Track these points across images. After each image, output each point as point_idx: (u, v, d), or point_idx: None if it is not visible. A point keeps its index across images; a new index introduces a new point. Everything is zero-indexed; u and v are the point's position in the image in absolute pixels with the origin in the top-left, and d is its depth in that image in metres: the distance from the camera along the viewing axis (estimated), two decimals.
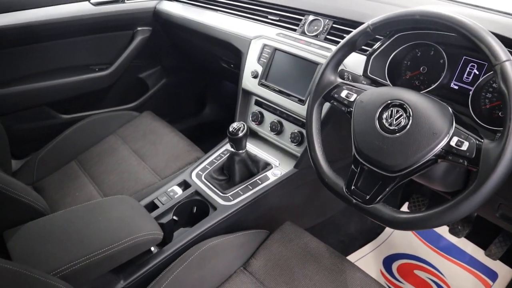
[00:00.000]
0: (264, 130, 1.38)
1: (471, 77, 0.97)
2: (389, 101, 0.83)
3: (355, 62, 1.12)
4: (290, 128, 1.29)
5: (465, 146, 0.74)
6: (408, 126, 0.79)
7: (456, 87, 0.99)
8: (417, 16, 0.82)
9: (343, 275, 1.02)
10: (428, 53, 1.05)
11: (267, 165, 1.28)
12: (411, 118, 0.80)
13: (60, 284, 0.73)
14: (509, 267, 1.42)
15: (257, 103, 1.40)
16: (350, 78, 1.05)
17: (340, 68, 1.08)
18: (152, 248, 1.08)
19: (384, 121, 0.83)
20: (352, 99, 0.91)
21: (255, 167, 1.28)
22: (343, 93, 0.93)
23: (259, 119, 1.38)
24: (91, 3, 1.66)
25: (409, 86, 1.06)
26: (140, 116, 1.71)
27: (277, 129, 1.32)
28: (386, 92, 0.86)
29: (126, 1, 1.73)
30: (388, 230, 1.66)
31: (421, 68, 1.06)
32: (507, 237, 1.41)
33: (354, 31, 0.91)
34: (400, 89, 0.86)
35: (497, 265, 1.44)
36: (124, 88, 1.89)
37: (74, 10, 1.61)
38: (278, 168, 1.26)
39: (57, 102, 1.70)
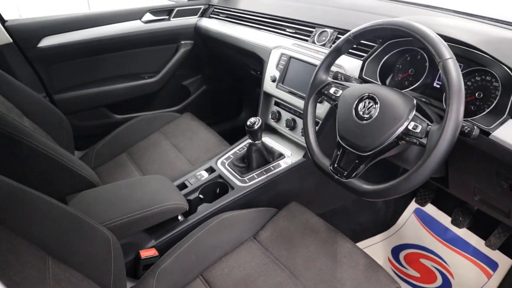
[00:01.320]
0: (281, 126, 1.59)
1: None
2: (363, 94, 1.02)
3: (354, 66, 1.32)
4: (301, 124, 1.50)
5: (418, 129, 0.92)
6: (376, 114, 0.98)
7: (438, 86, 1.16)
8: (385, 25, 1.01)
9: (335, 245, 1.20)
10: (415, 57, 1.22)
11: (280, 155, 1.49)
12: (378, 107, 0.98)
13: (106, 232, 0.99)
14: (507, 256, 1.51)
15: (276, 103, 1.62)
16: (342, 78, 1.25)
17: (335, 70, 1.29)
18: (179, 217, 1.32)
19: (359, 110, 1.02)
20: (338, 94, 1.11)
21: (270, 156, 1.49)
22: (332, 90, 1.13)
23: (277, 117, 1.60)
24: (142, 21, 1.97)
25: (400, 85, 1.24)
26: (180, 116, 1.98)
27: (291, 125, 1.53)
28: (362, 87, 1.05)
29: (171, 19, 2.03)
30: (399, 222, 1.80)
31: (409, 70, 1.24)
32: (506, 228, 1.51)
33: (339, 40, 1.12)
34: (373, 85, 1.05)
35: (497, 255, 1.54)
36: (169, 94, 2.18)
37: (128, 27, 1.92)
38: (290, 158, 1.47)
39: (113, 104, 2.02)
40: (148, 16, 1.98)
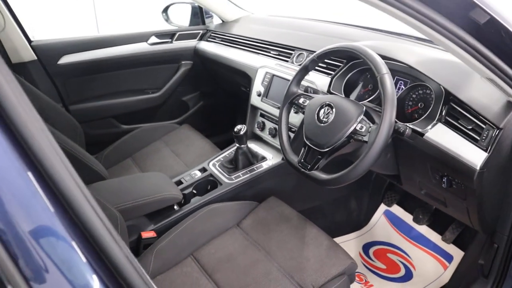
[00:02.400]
0: (265, 134, 1.85)
1: (399, 91, 1.39)
2: (323, 103, 1.28)
3: (324, 82, 1.58)
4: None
5: (363, 129, 1.17)
6: (333, 118, 1.23)
7: None
8: (339, 47, 1.27)
9: (303, 230, 1.43)
10: (374, 75, 1.48)
11: (263, 158, 1.74)
12: (334, 113, 1.23)
13: (115, 211, 1.23)
14: (460, 249, 1.73)
15: (261, 115, 1.88)
16: (312, 91, 1.51)
17: (307, 85, 1.55)
18: (175, 207, 1.55)
19: (320, 115, 1.27)
20: (305, 104, 1.36)
21: (254, 159, 1.74)
22: (301, 100, 1.39)
23: (262, 126, 1.85)
24: (148, 43, 2.25)
25: (362, 98, 1.48)
26: (180, 127, 2.23)
27: (273, 133, 1.78)
28: (323, 97, 1.31)
29: (173, 42, 2.32)
30: (371, 223, 2.02)
31: (369, 86, 1.50)
32: (459, 224, 1.73)
33: (306, 60, 1.38)
34: (332, 96, 1.31)
35: (452, 249, 1.75)
36: (170, 107, 2.45)
37: (135, 48, 2.21)
38: (271, 160, 1.72)
39: (120, 115, 2.29)
40: (153, 39, 2.26)
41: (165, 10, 2.39)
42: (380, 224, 1.99)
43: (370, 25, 1.80)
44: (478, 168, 1.09)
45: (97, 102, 2.19)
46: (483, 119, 1.12)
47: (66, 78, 2.09)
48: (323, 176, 1.23)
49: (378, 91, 1.42)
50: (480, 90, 1.18)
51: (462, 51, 0.93)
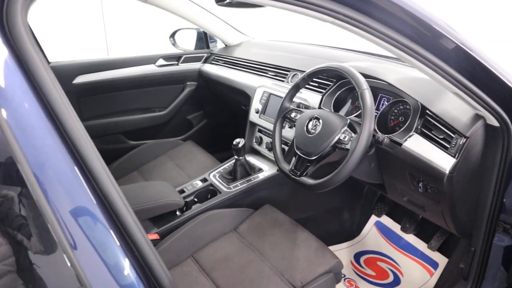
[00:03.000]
0: (262, 148, 1.99)
1: (382, 107, 1.53)
2: (312, 116, 1.42)
3: (315, 99, 1.73)
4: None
5: (346, 138, 1.31)
6: (320, 129, 1.37)
7: (376, 114, 1.55)
8: (326, 67, 1.43)
9: (295, 234, 1.55)
10: None
11: (260, 170, 1.88)
12: (321, 125, 1.38)
13: None
14: (444, 256, 1.83)
15: (259, 130, 2.03)
16: (303, 107, 1.65)
17: (299, 101, 1.70)
18: (177, 212, 1.68)
19: (309, 127, 1.41)
20: (297, 117, 1.51)
21: (252, 171, 1.87)
22: (293, 114, 1.53)
23: (259, 141, 2.00)
24: (155, 65, 2.43)
25: (351, 114, 1.62)
26: (184, 143, 2.38)
27: (270, 147, 1.93)
28: (312, 111, 1.45)
29: (179, 64, 2.49)
30: (363, 233, 2.13)
31: (356, 102, 1.64)
32: (443, 232, 1.84)
33: (298, 78, 1.53)
34: (320, 110, 1.45)
35: (438, 256, 1.85)
36: (175, 125, 2.60)
37: (144, 70, 2.39)
38: (267, 172, 1.85)
39: (128, 131, 2.44)
40: (161, 61, 2.44)
41: (173, 35, 2.57)
42: (371, 234, 2.10)
43: (359, 48, 1.96)
44: (447, 172, 1.22)
45: (108, 119, 2.36)
46: (453, 129, 1.26)
47: (79, 96, 2.26)
48: (311, 181, 1.37)
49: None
50: (451, 104, 1.32)
51: (431, 71, 1.07)
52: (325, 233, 2.07)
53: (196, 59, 2.56)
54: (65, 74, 2.19)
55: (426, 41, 1.02)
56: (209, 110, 2.70)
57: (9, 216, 0.67)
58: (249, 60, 2.26)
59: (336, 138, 1.33)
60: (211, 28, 2.45)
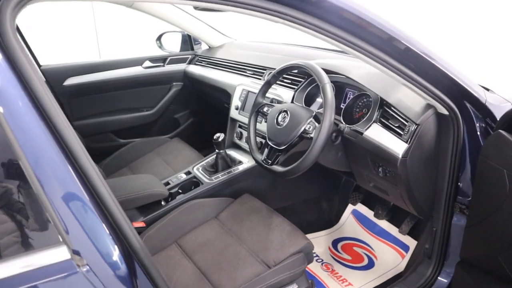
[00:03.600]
0: (242, 143, 2.12)
1: (348, 100, 1.66)
2: (281, 109, 1.55)
3: (289, 95, 1.86)
4: (259, 140, 2.01)
5: (310, 128, 1.44)
6: (288, 121, 1.50)
7: (342, 107, 1.68)
8: (292, 64, 1.56)
9: (270, 219, 1.68)
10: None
11: (240, 162, 2.00)
12: (289, 117, 1.50)
13: None
14: (414, 239, 1.96)
15: (239, 126, 2.15)
16: (276, 102, 1.78)
17: (272, 97, 1.83)
18: (162, 202, 1.81)
19: (278, 120, 1.54)
20: (268, 111, 1.64)
21: (232, 163, 2.00)
22: (265, 109, 1.66)
23: (240, 136, 2.13)
24: (142, 67, 2.56)
25: (321, 107, 1.75)
26: (171, 141, 2.50)
27: None
28: (281, 105, 1.58)
29: (165, 65, 2.62)
30: (341, 221, 2.26)
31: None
32: (413, 217, 1.97)
33: (268, 76, 1.66)
34: (288, 104, 1.58)
35: (409, 240, 1.99)
36: (163, 124, 2.73)
37: (131, 71, 2.52)
38: (246, 164, 1.98)
39: (118, 130, 2.57)
40: (147, 63, 2.57)
41: (159, 38, 2.70)
42: (349, 222, 2.23)
43: (329, 47, 2.09)
44: (400, 156, 1.36)
45: (98, 118, 2.48)
46: (406, 117, 1.39)
47: (70, 97, 2.38)
48: (280, 169, 1.50)
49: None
50: (406, 96, 1.45)
51: (381, 67, 1.21)
52: (304, 221, 2.20)
53: (181, 61, 2.69)
54: (55, 76, 2.31)
55: (380, 43, 1.16)
56: (195, 109, 2.82)
57: (10, 201, 0.79)
58: (230, 60, 2.39)
59: (302, 129, 1.46)
60: (194, 31, 2.58)
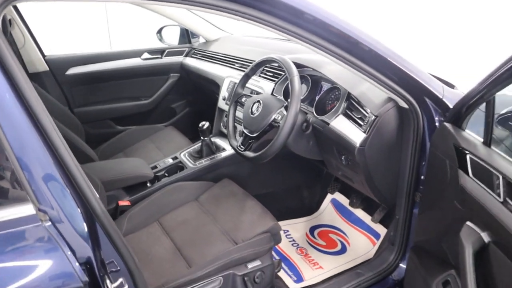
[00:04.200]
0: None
1: (321, 93, 1.78)
2: (256, 100, 1.67)
3: (269, 87, 1.98)
4: (240, 128, 2.14)
5: (279, 117, 1.56)
6: (260, 111, 1.62)
7: (317, 99, 1.80)
8: (268, 58, 1.68)
9: (244, 202, 1.80)
10: (308, 81, 1.88)
11: (223, 149, 2.14)
12: (262, 107, 1.63)
13: (98, 182, 1.63)
14: (384, 228, 2.07)
15: (226, 115, 2.28)
16: (255, 93, 1.91)
17: (253, 88, 1.95)
18: (148, 184, 1.95)
19: (253, 109, 1.67)
20: (246, 102, 1.76)
21: (216, 150, 2.13)
22: (243, 99, 1.79)
23: (226, 125, 2.26)
24: (141, 58, 2.71)
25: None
26: (165, 129, 2.64)
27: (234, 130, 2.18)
28: (256, 96, 1.70)
29: (163, 57, 2.77)
30: (320, 209, 2.37)
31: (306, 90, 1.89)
32: (385, 206, 2.08)
33: (248, 68, 1.79)
34: (262, 95, 1.71)
35: (380, 228, 2.09)
36: (159, 113, 2.88)
37: (130, 62, 2.67)
38: (229, 151, 2.11)
39: (116, 118, 2.73)
40: (146, 55, 2.72)
41: (159, 31, 2.84)
42: (328, 210, 2.35)
43: None
44: (357, 145, 1.47)
45: (97, 106, 2.65)
46: (366, 109, 1.50)
47: (72, 86, 2.55)
48: (252, 154, 1.62)
49: (307, 94, 1.83)
50: (370, 90, 1.56)
51: (344, 63, 1.32)
52: (285, 208, 2.32)
53: (178, 53, 2.83)
54: (59, 66, 2.47)
55: (352, 46, 1.28)
56: (191, 99, 2.97)
57: None
58: (221, 53, 2.52)
59: (272, 118, 1.58)
60: (192, 25, 2.71)
